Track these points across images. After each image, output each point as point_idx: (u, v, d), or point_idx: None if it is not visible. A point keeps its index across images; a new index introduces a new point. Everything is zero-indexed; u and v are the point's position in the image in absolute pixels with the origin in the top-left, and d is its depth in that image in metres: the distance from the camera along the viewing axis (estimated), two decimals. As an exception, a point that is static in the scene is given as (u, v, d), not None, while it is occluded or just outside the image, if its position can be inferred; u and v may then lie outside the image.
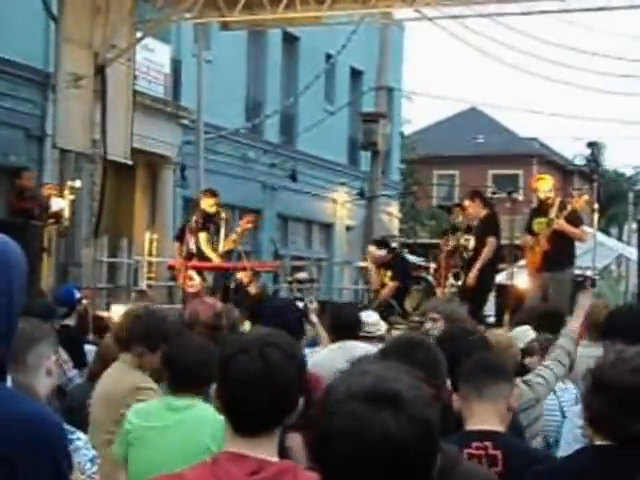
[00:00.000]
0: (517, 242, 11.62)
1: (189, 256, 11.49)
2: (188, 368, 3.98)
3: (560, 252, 10.39)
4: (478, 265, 10.82)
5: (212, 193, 11.71)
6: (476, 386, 3.49)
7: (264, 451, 2.35)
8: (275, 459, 2.37)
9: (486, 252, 10.87)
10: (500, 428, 3.48)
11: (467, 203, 11.25)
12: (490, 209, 11.19)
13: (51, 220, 11.48)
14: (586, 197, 10.90)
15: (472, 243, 11.04)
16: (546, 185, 10.78)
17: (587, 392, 3.00)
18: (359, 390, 1.76)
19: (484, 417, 3.47)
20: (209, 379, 3.48)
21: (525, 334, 6.72)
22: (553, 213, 10.46)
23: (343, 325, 6.14)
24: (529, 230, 10.78)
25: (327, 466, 1.77)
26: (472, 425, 3.49)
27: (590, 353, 5.40)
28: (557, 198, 10.80)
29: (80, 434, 3.41)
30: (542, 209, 10.69)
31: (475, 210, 11.07)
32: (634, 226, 24.02)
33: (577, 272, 13.97)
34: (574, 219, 10.46)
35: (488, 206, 11.19)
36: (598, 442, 2.95)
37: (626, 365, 2.90)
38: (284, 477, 2.31)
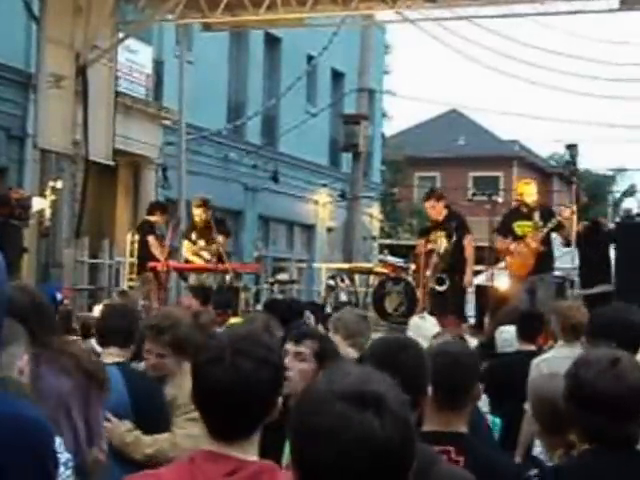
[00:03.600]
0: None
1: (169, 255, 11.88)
2: None
3: (548, 255, 10.55)
4: (469, 268, 10.99)
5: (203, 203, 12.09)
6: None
7: (242, 451, 2.37)
8: (253, 458, 2.38)
9: (471, 252, 11.04)
10: (463, 428, 3.34)
11: (430, 204, 11.32)
12: (450, 208, 11.33)
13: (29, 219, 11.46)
14: (573, 209, 11.02)
15: (444, 244, 11.05)
16: (532, 190, 10.89)
17: (567, 406, 3.01)
18: (342, 390, 1.76)
19: (447, 417, 3.32)
20: None
21: (510, 334, 6.77)
22: (537, 217, 10.56)
23: None
24: (506, 232, 10.85)
25: (307, 466, 1.76)
26: (431, 425, 3.27)
27: (566, 354, 5.47)
28: (538, 203, 10.92)
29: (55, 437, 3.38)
30: (522, 212, 10.77)
31: (439, 211, 11.17)
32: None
33: (557, 274, 14.12)
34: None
35: (447, 206, 11.32)
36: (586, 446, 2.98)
37: (590, 373, 2.92)
38: (261, 477, 2.32)
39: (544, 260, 10.54)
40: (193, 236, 11.89)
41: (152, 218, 12.71)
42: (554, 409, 3.69)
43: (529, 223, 10.63)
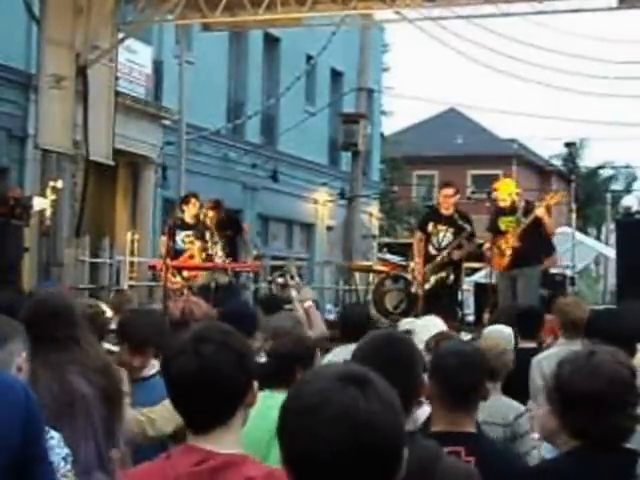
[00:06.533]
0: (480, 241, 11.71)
1: (176, 253, 11.85)
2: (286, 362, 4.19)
3: (529, 249, 10.51)
4: (463, 252, 10.97)
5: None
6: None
7: (220, 442, 2.38)
8: (229, 450, 2.38)
9: (470, 249, 11.06)
10: (472, 428, 3.32)
11: (451, 192, 11.14)
12: (457, 206, 11.31)
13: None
14: (562, 194, 11.07)
15: (448, 238, 11.03)
16: (507, 190, 10.86)
17: (557, 403, 3.00)
18: (329, 371, 1.79)
19: (456, 417, 3.31)
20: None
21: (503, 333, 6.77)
22: (519, 212, 10.60)
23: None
24: (494, 230, 10.89)
25: (291, 448, 1.74)
26: (440, 426, 3.27)
27: (567, 351, 5.51)
28: (522, 200, 10.91)
29: (53, 432, 3.29)
30: (508, 209, 10.80)
31: (450, 204, 11.09)
32: (612, 226, 24.23)
33: (556, 271, 14.13)
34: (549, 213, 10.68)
35: (455, 204, 11.30)
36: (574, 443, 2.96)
37: (566, 371, 2.92)
38: (229, 468, 2.33)
39: (523, 255, 10.49)
40: (207, 236, 11.87)
41: (179, 215, 12.63)
42: None
43: (511, 218, 10.68)
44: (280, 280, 13.86)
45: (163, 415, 4.23)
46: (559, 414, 2.97)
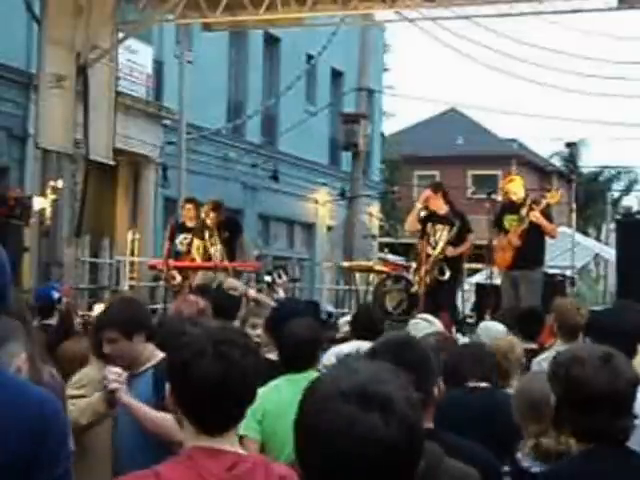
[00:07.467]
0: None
1: (176, 255, 11.86)
2: (304, 345, 4.57)
3: (531, 250, 10.48)
4: (460, 249, 10.88)
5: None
6: None
7: (230, 443, 2.38)
8: (238, 449, 2.39)
9: (467, 246, 11.01)
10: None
11: (429, 192, 11.08)
12: (452, 204, 11.25)
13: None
14: (561, 192, 11.07)
15: (444, 237, 10.99)
16: (517, 186, 10.88)
17: (561, 409, 3.00)
18: (349, 390, 1.72)
19: None
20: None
21: (492, 329, 6.74)
22: (524, 211, 10.58)
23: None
24: (498, 227, 10.89)
25: (311, 465, 1.73)
26: None
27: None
28: (528, 197, 10.91)
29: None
30: (513, 206, 10.80)
31: (435, 202, 11.01)
32: (612, 226, 24.19)
33: (557, 272, 14.13)
34: (547, 215, 10.61)
35: (449, 202, 11.23)
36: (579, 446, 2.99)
37: (586, 372, 2.93)
38: (258, 470, 2.33)
39: (525, 255, 10.45)
40: (206, 235, 11.90)
41: (181, 218, 12.71)
42: (531, 402, 3.77)
43: (515, 217, 10.67)
44: (268, 279, 13.87)
45: (78, 406, 4.14)
46: (571, 415, 2.96)
